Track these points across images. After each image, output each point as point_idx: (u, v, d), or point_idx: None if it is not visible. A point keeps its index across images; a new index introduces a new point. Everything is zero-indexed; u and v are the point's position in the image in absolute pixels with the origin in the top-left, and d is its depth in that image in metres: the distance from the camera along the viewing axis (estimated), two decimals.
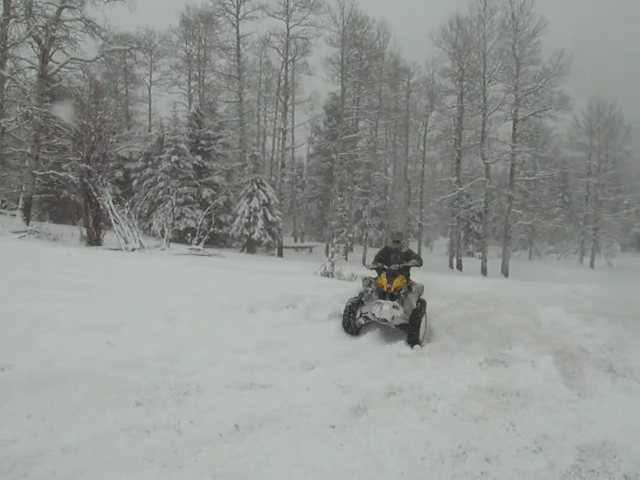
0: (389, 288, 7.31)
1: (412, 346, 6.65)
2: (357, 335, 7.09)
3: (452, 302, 10.28)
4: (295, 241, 48.66)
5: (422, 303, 7.86)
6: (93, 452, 3.14)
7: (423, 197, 42.98)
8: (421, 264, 7.81)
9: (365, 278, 7.92)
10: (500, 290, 14.94)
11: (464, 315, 9.04)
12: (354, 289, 8.32)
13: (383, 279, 7.42)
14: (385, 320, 6.99)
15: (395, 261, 7.77)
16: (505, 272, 35.43)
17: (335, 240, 22.66)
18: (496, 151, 37.87)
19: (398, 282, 7.37)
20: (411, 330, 6.80)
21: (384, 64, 40.78)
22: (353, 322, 7.12)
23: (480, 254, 39.12)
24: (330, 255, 17.94)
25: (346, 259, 33.64)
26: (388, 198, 43.57)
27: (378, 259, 7.96)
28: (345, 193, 39.29)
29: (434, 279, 15.08)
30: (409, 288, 7.54)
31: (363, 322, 7.20)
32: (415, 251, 8.71)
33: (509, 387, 5.13)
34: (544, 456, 3.71)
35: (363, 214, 41.64)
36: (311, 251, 40.82)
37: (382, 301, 7.13)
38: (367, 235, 40.85)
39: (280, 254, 35.34)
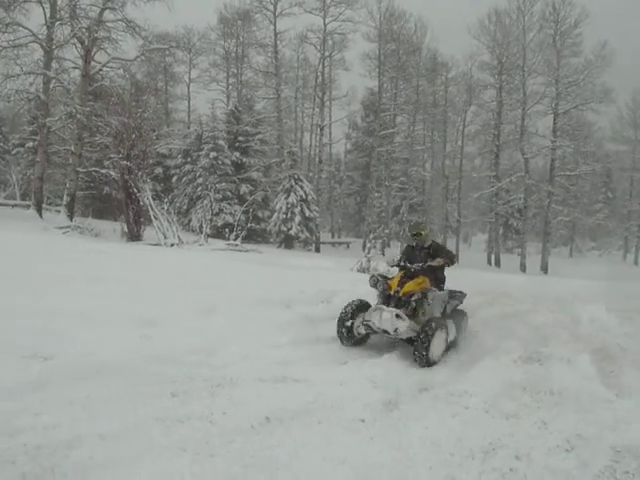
0: (397, 292, 5.96)
1: (420, 366, 5.47)
2: (356, 346, 6.04)
3: (489, 299, 10.19)
4: (332, 237, 48.69)
5: (458, 314, 6.78)
6: (129, 440, 3.24)
7: (461, 193, 42.47)
8: (452, 261, 6.57)
9: (372, 276, 6.47)
10: (539, 287, 14.68)
11: (501, 312, 8.95)
12: None
13: (395, 280, 6.15)
14: (386, 331, 5.72)
15: (416, 260, 6.51)
16: (545, 269, 34.74)
17: (372, 236, 22.67)
18: (536, 146, 37.24)
19: (411, 285, 6.01)
20: (418, 348, 5.48)
21: (421, 59, 40.53)
22: (346, 331, 5.96)
23: (519, 251, 38.45)
24: (367, 251, 17.92)
25: (383, 255, 33.53)
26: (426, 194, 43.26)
27: (404, 257, 6.79)
28: (382, 189, 39.10)
29: (479, 276, 14.95)
30: (424, 295, 6.06)
31: (363, 331, 5.94)
32: (449, 247, 8.17)
33: (543, 385, 5.05)
34: (577, 455, 3.65)
35: (401, 210, 41.40)
36: (348, 247, 40.76)
37: (383, 307, 5.82)
38: (404, 231, 40.59)
39: (317, 250, 35.43)
